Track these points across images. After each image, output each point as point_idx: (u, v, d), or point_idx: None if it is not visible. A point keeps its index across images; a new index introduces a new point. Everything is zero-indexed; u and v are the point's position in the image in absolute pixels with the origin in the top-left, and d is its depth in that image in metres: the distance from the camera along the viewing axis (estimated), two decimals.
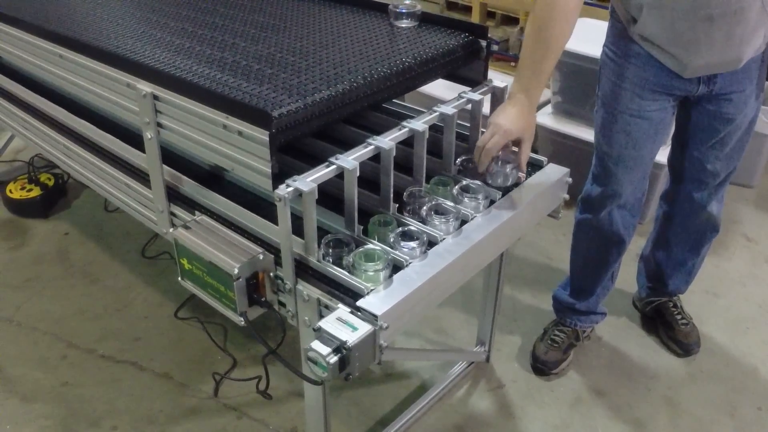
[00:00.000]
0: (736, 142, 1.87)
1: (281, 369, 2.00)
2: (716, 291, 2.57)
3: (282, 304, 1.46)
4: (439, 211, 1.49)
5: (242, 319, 1.43)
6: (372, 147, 1.43)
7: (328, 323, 1.23)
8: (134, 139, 1.76)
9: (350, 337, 1.19)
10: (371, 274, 1.31)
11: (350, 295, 1.30)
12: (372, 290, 1.29)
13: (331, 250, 1.37)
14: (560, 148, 2.96)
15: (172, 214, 1.70)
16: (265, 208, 1.52)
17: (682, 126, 1.91)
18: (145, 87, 1.52)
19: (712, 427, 2.03)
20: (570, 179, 1.71)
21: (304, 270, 1.38)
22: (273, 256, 1.43)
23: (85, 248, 2.76)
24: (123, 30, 1.82)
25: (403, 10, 1.83)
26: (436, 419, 2.03)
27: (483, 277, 2.03)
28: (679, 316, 2.29)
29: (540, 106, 3.05)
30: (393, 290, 1.30)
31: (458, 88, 1.72)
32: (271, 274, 1.43)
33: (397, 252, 1.37)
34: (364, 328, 1.22)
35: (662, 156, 2.08)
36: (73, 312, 2.43)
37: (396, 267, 1.35)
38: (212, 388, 2.12)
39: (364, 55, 1.62)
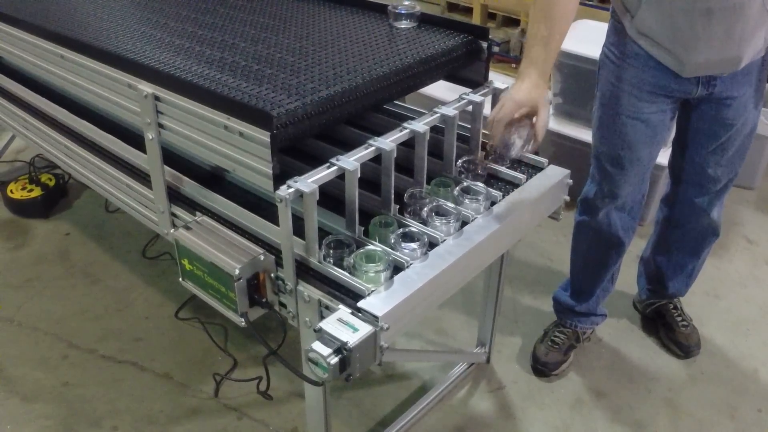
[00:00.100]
0: (736, 149, 1.86)
1: (282, 370, 2.01)
2: (717, 293, 2.57)
3: (283, 304, 1.46)
4: (439, 212, 1.49)
5: (243, 319, 1.44)
6: (373, 148, 1.43)
7: (328, 324, 1.23)
8: (135, 140, 1.76)
9: (351, 338, 1.19)
10: (372, 275, 1.31)
11: (351, 296, 1.30)
12: (373, 291, 1.29)
13: (332, 251, 1.37)
14: (561, 149, 2.96)
15: (173, 214, 1.70)
16: (266, 208, 1.52)
17: (683, 129, 1.90)
18: (147, 88, 1.53)
19: (713, 428, 2.03)
20: (571, 181, 1.71)
21: (305, 271, 1.38)
22: (274, 256, 1.43)
23: (86, 248, 2.76)
24: (124, 30, 1.83)
25: (402, 11, 1.84)
26: (437, 420, 2.03)
27: (483, 278, 2.03)
28: (679, 318, 2.29)
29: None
30: (394, 291, 1.30)
31: (459, 89, 1.72)
32: (272, 274, 1.44)
33: (397, 253, 1.37)
34: (365, 329, 1.22)
35: (663, 158, 2.08)
36: (74, 312, 2.43)
37: (397, 268, 1.35)
38: (213, 388, 2.12)
39: (363, 56, 1.63)
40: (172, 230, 1.67)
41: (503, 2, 4.49)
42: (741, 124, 1.80)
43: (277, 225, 1.34)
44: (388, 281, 1.32)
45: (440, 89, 2.01)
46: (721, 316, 2.45)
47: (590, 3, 4.05)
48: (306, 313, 1.39)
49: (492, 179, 1.68)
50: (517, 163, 1.73)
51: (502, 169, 1.69)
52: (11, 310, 2.45)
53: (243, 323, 1.44)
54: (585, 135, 2.86)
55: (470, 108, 1.65)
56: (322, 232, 1.41)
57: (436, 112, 1.57)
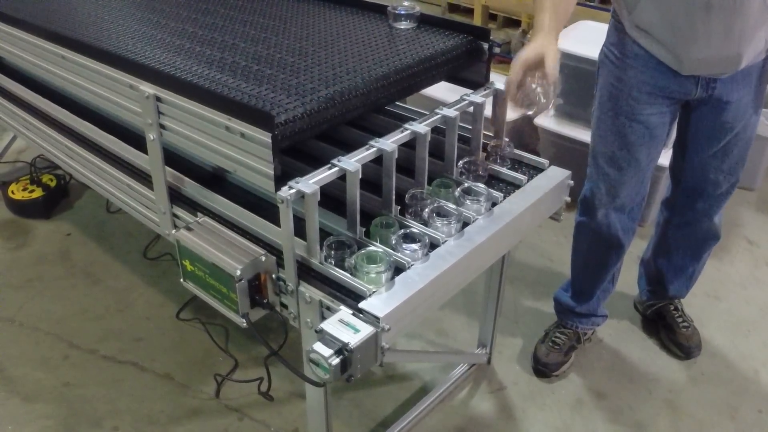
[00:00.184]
0: (737, 154, 1.86)
1: (283, 370, 2.01)
2: (717, 294, 2.57)
3: (284, 305, 1.46)
4: (440, 213, 1.49)
5: (244, 320, 1.44)
6: (374, 149, 1.43)
7: (329, 325, 1.23)
8: (136, 141, 1.76)
9: (352, 339, 1.19)
10: (373, 276, 1.31)
11: (352, 297, 1.30)
12: (374, 292, 1.29)
13: (333, 252, 1.37)
14: (562, 150, 2.96)
15: (175, 215, 1.70)
16: (267, 209, 1.52)
17: (683, 132, 1.90)
18: (148, 88, 1.53)
19: (713, 429, 2.03)
20: (571, 182, 1.71)
21: (306, 272, 1.39)
22: (275, 257, 1.43)
23: (87, 249, 2.76)
24: (125, 31, 1.83)
25: (402, 12, 1.84)
26: (438, 421, 2.03)
27: (484, 279, 2.03)
28: (680, 319, 2.29)
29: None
30: (395, 292, 1.30)
31: (460, 90, 1.72)
32: (273, 275, 1.44)
33: (399, 254, 1.37)
34: (366, 329, 1.22)
35: (664, 159, 2.08)
36: (75, 312, 2.44)
37: (398, 269, 1.35)
38: (214, 389, 2.12)
39: (362, 56, 1.63)
40: (173, 231, 1.67)
41: (504, 3, 4.49)
42: (741, 128, 1.80)
43: (279, 226, 1.34)
44: (389, 282, 1.32)
45: (441, 90, 2.01)
46: (722, 317, 2.45)
47: (590, 3, 4.05)
48: (307, 313, 1.39)
49: (493, 180, 1.68)
50: (518, 164, 1.74)
51: (503, 170, 1.69)
52: (12, 310, 2.45)
53: (244, 324, 1.44)
54: (585, 136, 2.85)
55: (471, 109, 1.65)
56: (324, 233, 1.41)
57: (437, 113, 1.57)
